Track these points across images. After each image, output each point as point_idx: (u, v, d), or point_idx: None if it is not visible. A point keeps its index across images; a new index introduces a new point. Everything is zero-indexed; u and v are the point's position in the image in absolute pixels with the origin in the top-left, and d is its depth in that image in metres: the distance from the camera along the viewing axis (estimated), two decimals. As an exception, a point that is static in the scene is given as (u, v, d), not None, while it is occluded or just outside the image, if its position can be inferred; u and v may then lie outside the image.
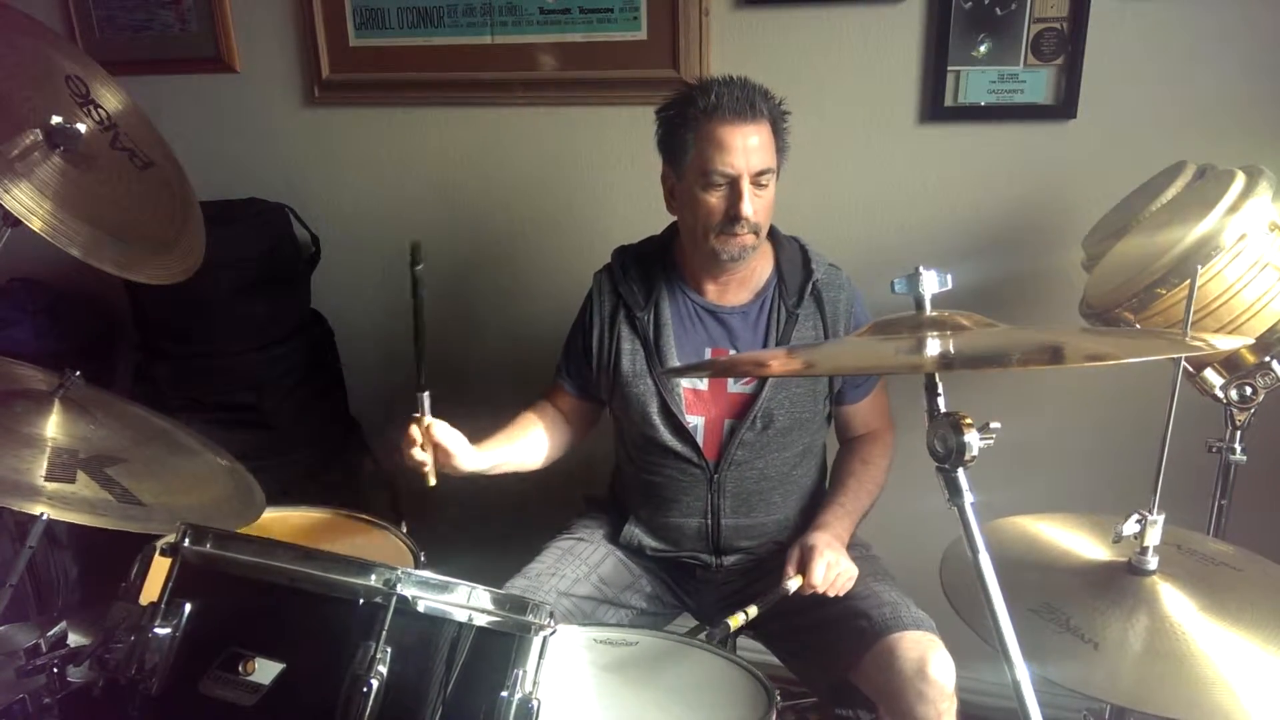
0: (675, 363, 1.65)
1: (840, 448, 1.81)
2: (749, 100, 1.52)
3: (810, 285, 1.66)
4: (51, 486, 1.29)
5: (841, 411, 1.76)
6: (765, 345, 1.66)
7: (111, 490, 1.35)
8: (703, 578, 1.75)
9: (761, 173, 1.53)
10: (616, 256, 1.76)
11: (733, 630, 1.51)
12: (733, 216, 1.53)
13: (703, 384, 1.67)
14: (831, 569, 1.54)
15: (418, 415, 1.52)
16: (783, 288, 1.67)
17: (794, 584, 1.55)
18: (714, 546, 1.71)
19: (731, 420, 1.66)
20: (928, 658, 1.43)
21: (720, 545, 1.71)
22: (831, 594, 1.55)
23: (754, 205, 1.53)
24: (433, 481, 1.57)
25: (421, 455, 1.53)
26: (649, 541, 1.75)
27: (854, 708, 1.61)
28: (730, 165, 1.52)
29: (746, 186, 1.52)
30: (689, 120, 1.55)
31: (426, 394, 1.52)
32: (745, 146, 1.52)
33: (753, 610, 1.52)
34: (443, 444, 1.53)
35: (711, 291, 1.68)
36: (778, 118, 1.58)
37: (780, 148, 1.60)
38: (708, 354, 1.68)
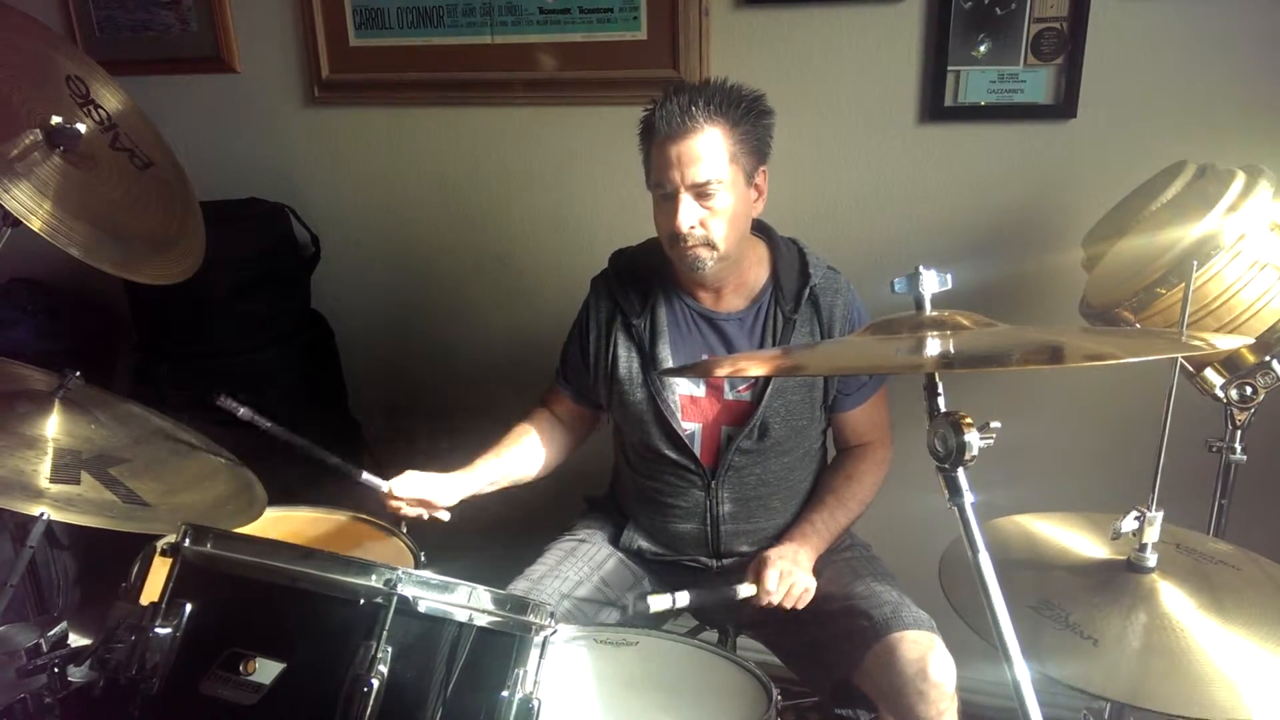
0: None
1: (834, 457, 1.80)
2: (685, 112, 1.48)
3: (807, 290, 1.64)
4: (56, 488, 1.29)
5: (835, 419, 1.74)
6: None
7: (115, 491, 1.35)
8: (703, 581, 1.75)
9: (702, 183, 1.49)
10: (613, 261, 1.76)
11: (652, 610, 1.49)
12: (673, 230, 1.53)
13: (699, 391, 1.66)
14: (785, 578, 1.54)
15: (381, 492, 1.62)
16: (779, 293, 1.65)
17: (746, 590, 1.55)
18: (714, 551, 1.71)
19: (729, 427, 1.65)
20: (928, 657, 1.43)
21: (720, 549, 1.71)
22: (788, 604, 1.55)
23: (693, 217, 1.51)
24: (444, 518, 1.67)
25: (412, 512, 1.64)
26: (648, 546, 1.75)
27: (854, 707, 1.61)
28: (667, 180, 1.51)
29: (683, 200, 1.50)
30: (643, 138, 1.58)
31: (364, 474, 1.62)
32: (680, 160, 1.49)
33: (684, 597, 1.50)
34: (417, 498, 1.62)
35: (706, 298, 1.67)
36: (739, 121, 1.52)
37: (748, 151, 1.53)
38: None
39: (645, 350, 1.66)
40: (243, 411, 1.52)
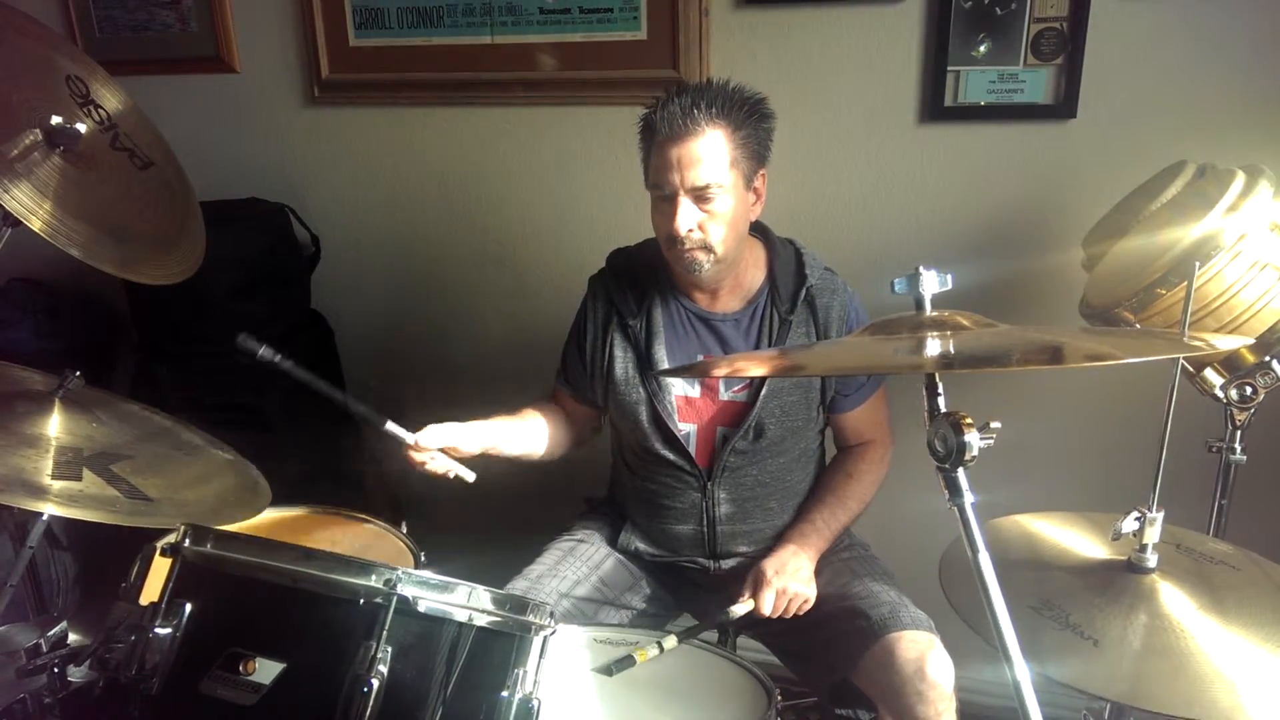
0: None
1: (834, 456, 1.80)
2: (687, 114, 1.46)
3: (804, 291, 1.64)
4: (59, 485, 1.29)
5: (834, 420, 1.74)
6: None
7: (118, 487, 1.35)
8: (701, 581, 1.75)
9: (702, 187, 1.48)
10: (611, 261, 1.76)
11: (639, 661, 1.43)
12: (670, 233, 1.52)
13: (695, 391, 1.66)
14: (782, 597, 1.55)
15: (405, 444, 1.57)
16: (775, 294, 1.65)
17: (742, 609, 1.55)
18: (711, 551, 1.71)
19: (724, 428, 1.65)
20: (926, 658, 1.43)
21: (717, 550, 1.71)
22: (789, 615, 1.56)
23: (691, 221, 1.50)
24: (470, 478, 1.63)
25: (439, 466, 1.60)
26: (645, 547, 1.75)
27: (853, 707, 1.61)
28: (666, 183, 1.50)
29: (681, 203, 1.49)
30: (643, 138, 1.56)
31: (390, 423, 1.57)
32: (680, 163, 1.48)
33: (671, 641, 1.47)
34: (444, 446, 1.58)
35: (702, 298, 1.67)
36: (741, 124, 1.51)
37: (749, 154, 1.52)
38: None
39: (641, 351, 1.66)
40: (263, 351, 1.51)
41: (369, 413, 1.57)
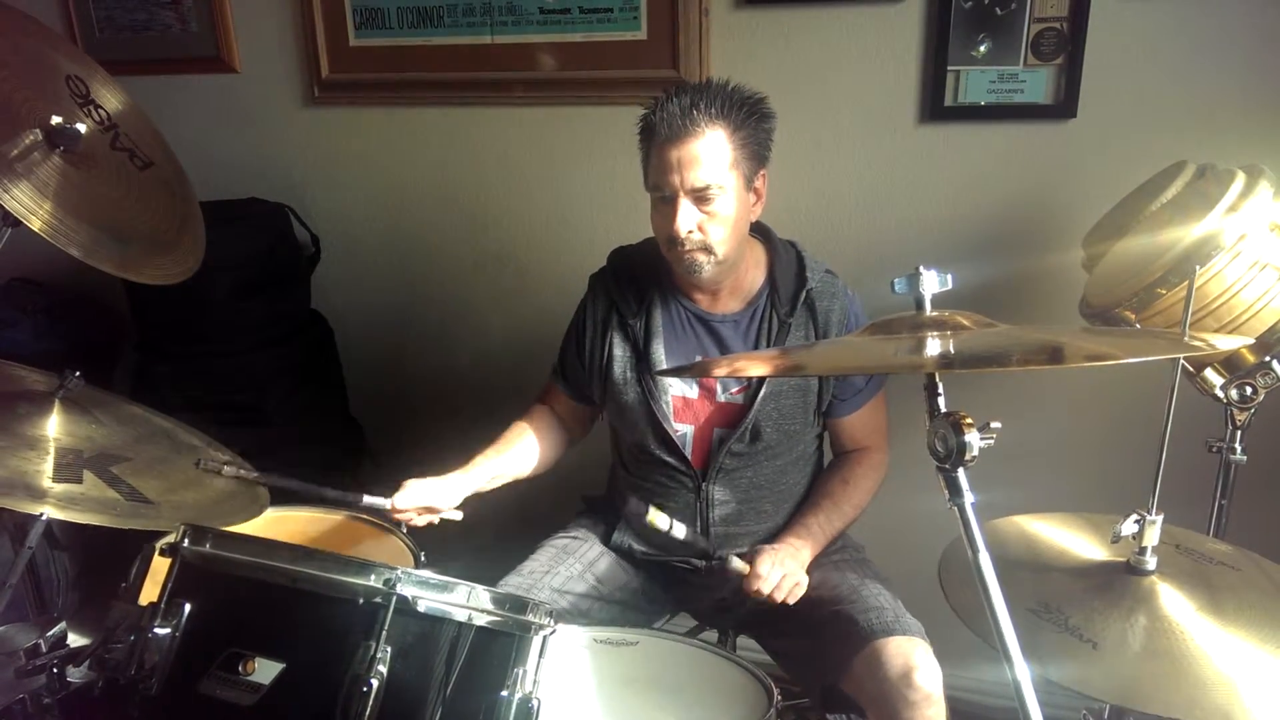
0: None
1: (831, 461, 1.80)
2: (686, 114, 1.46)
3: (804, 294, 1.63)
4: (59, 488, 1.29)
5: (831, 425, 1.73)
6: None
7: (118, 489, 1.35)
8: (694, 581, 1.75)
9: (702, 188, 1.48)
10: (612, 260, 1.75)
11: (647, 519, 1.52)
12: (670, 234, 1.52)
13: (693, 392, 1.66)
14: (778, 567, 1.54)
15: (386, 510, 1.60)
16: (775, 296, 1.64)
17: (738, 563, 1.55)
18: (704, 552, 1.71)
19: (721, 430, 1.64)
20: (913, 663, 1.42)
21: (711, 551, 1.70)
22: (778, 596, 1.54)
23: (691, 222, 1.50)
24: (457, 517, 1.67)
25: (421, 520, 1.63)
26: (639, 546, 1.74)
27: (845, 711, 1.60)
28: (666, 184, 1.50)
29: (681, 205, 1.49)
30: (642, 139, 1.56)
31: (365, 498, 1.60)
32: (680, 164, 1.47)
33: (681, 530, 1.53)
34: (421, 506, 1.60)
35: (702, 299, 1.66)
36: (741, 125, 1.50)
37: (749, 155, 1.52)
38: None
39: (640, 350, 1.66)
40: (226, 470, 1.53)
41: (343, 496, 1.61)
